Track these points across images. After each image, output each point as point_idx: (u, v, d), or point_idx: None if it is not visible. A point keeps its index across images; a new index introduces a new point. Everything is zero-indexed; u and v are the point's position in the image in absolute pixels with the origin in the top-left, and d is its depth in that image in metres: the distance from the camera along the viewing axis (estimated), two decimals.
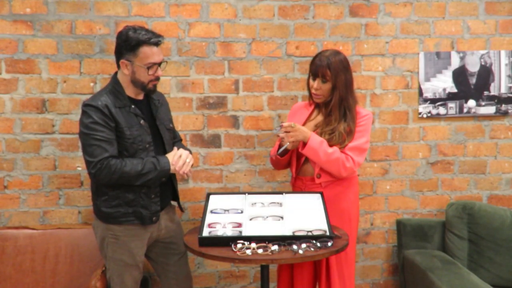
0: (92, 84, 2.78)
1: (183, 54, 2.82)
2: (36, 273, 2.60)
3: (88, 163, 2.09)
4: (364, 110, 2.42)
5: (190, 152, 2.28)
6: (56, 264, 2.62)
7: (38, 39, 2.72)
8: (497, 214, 2.83)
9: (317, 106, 2.46)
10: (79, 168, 2.81)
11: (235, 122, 2.90)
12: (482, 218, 2.82)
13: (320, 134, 2.33)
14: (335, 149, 2.28)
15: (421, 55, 2.94)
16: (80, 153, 2.80)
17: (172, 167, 2.16)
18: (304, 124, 2.42)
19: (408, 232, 2.92)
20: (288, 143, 2.28)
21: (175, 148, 2.27)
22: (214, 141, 2.89)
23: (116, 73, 2.20)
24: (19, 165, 2.77)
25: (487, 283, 2.42)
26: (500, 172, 3.06)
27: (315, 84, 2.33)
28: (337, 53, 2.34)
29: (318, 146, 2.25)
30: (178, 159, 2.18)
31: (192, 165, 2.25)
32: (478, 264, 2.80)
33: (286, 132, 2.26)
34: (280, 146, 2.36)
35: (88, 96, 2.76)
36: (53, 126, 2.77)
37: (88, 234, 2.66)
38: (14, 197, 2.79)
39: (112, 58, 2.75)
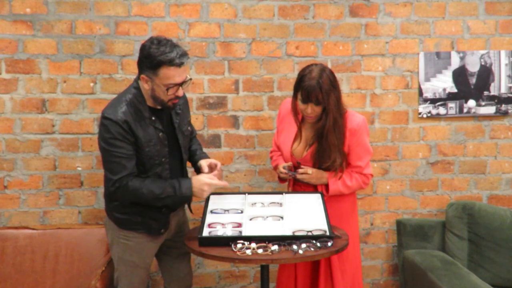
0: (92, 84, 2.78)
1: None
2: (36, 273, 2.60)
3: (107, 180, 2.07)
4: (356, 118, 2.31)
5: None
6: (56, 264, 2.62)
7: (38, 39, 2.72)
8: (497, 214, 2.83)
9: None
10: (79, 168, 2.81)
11: (235, 122, 2.90)
12: (482, 218, 2.82)
13: (319, 166, 2.31)
14: (354, 177, 2.32)
15: (421, 55, 2.94)
16: (80, 153, 2.80)
17: (199, 192, 2.09)
18: (294, 141, 2.36)
19: (408, 232, 2.92)
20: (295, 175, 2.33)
21: (206, 175, 2.15)
22: (214, 141, 2.89)
23: (138, 79, 2.10)
24: (19, 165, 2.77)
25: (487, 283, 2.42)
26: (500, 172, 3.06)
27: (308, 108, 2.20)
28: (323, 69, 2.20)
29: (340, 187, 2.31)
30: (210, 187, 2.10)
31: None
32: (478, 264, 2.80)
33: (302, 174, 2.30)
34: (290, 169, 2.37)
35: (88, 96, 2.77)
36: (53, 126, 2.77)
37: (88, 234, 2.67)
38: (14, 197, 2.79)
39: (112, 58, 2.77)
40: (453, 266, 2.57)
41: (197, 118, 2.86)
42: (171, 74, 1.96)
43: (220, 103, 2.88)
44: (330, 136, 2.23)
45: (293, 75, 2.88)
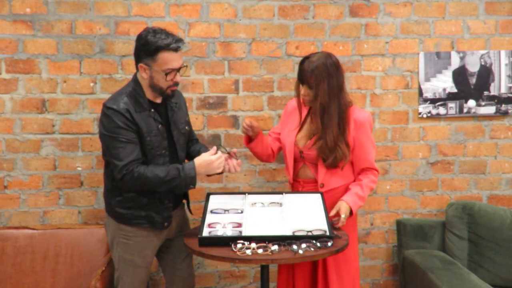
0: (92, 84, 2.78)
1: (183, 54, 2.81)
2: (36, 273, 2.60)
3: (114, 167, 2.06)
4: (361, 113, 2.34)
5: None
6: (56, 264, 2.62)
7: (38, 39, 2.72)
8: (497, 214, 2.83)
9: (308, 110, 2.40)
10: (79, 168, 2.81)
11: (235, 122, 2.90)
12: (482, 218, 2.82)
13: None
14: (365, 186, 2.31)
15: (421, 55, 2.94)
16: (80, 153, 2.80)
17: (208, 167, 2.10)
18: (298, 132, 2.38)
19: (408, 232, 2.92)
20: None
21: (215, 154, 2.16)
22: (214, 141, 2.89)
23: (136, 73, 2.16)
24: (19, 165, 2.77)
25: (487, 283, 2.42)
26: (500, 172, 3.06)
27: (302, 90, 2.27)
28: (325, 57, 2.22)
29: (360, 202, 2.30)
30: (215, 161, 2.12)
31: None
32: (478, 264, 2.80)
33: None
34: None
35: (88, 96, 2.77)
36: (53, 126, 2.77)
37: (88, 234, 2.67)
38: (14, 197, 2.79)
39: (112, 58, 2.77)
40: (453, 266, 2.58)
41: (197, 118, 2.86)
42: (169, 59, 2.04)
43: (220, 103, 2.88)
44: (315, 120, 2.27)
45: (293, 75, 2.89)
